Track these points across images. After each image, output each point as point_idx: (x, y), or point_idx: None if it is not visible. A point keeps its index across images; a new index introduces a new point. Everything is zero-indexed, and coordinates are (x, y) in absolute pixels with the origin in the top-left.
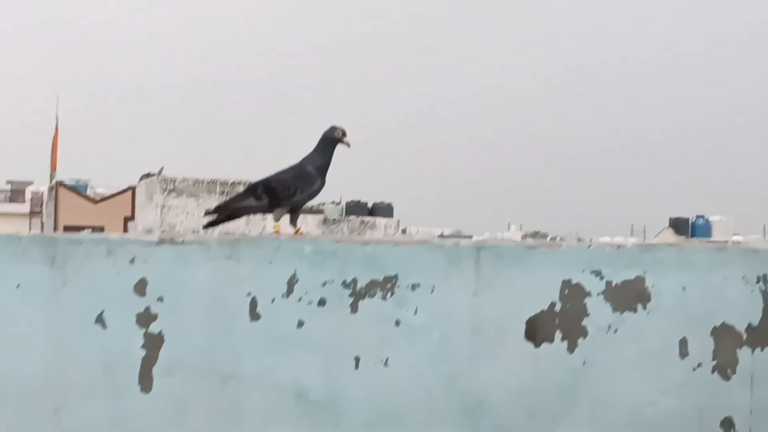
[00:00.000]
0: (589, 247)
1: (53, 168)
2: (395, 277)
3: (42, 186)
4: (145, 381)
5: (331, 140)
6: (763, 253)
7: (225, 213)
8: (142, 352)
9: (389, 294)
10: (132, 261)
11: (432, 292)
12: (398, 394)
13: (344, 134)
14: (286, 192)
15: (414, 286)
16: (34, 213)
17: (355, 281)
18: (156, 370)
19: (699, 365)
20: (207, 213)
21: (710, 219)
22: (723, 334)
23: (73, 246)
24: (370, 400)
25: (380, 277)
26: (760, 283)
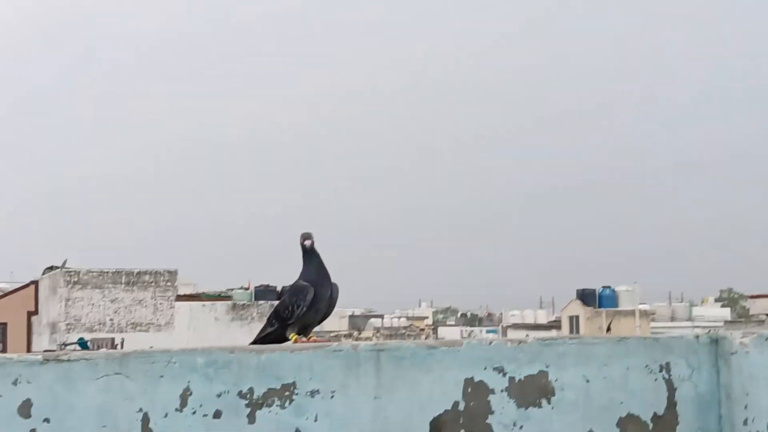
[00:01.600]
0: (491, 343)
1: None
2: (293, 384)
3: None
4: None
5: (302, 246)
6: (665, 342)
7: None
8: None
9: (288, 402)
10: (15, 382)
11: (332, 398)
12: None
13: (304, 238)
14: (287, 312)
15: (313, 393)
16: None
17: (251, 390)
18: None
19: None
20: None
21: (616, 289)
22: (629, 425)
23: None
24: None
25: (278, 386)
26: (663, 372)
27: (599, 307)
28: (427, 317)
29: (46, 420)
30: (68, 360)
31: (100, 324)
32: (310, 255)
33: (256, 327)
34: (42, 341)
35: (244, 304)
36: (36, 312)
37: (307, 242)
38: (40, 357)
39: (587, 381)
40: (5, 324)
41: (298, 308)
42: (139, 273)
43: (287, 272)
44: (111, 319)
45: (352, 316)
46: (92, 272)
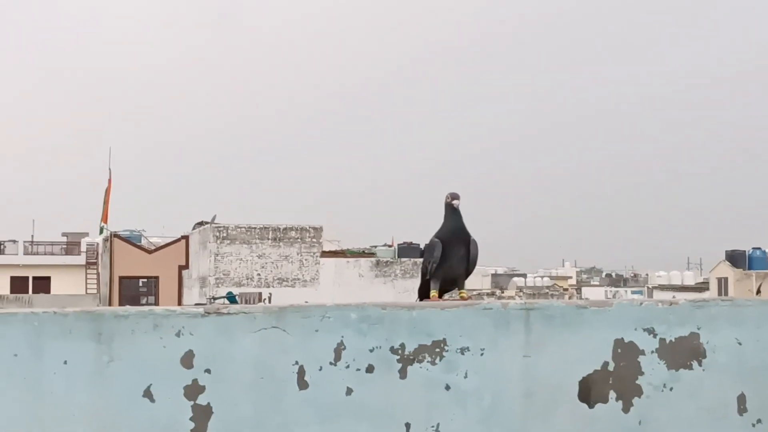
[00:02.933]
0: (641, 304)
1: (104, 219)
2: (443, 341)
3: (97, 237)
4: None
5: (447, 206)
6: None
7: (424, 296)
8: (191, 425)
9: (438, 358)
10: (178, 334)
11: (482, 355)
12: None
13: (453, 197)
14: (424, 267)
15: (463, 350)
16: (89, 264)
17: (403, 346)
18: None
19: (759, 421)
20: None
21: (767, 251)
22: None
23: (119, 320)
24: None
25: (428, 342)
26: None
27: (749, 269)
28: (570, 277)
29: (207, 371)
30: (228, 313)
31: (247, 278)
32: (449, 213)
33: (400, 284)
34: (192, 294)
35: (387, 261)
36: (186, 266)
37: (455, 202)
38: (201, 310)
39: (739, 343)
40: (157, 277)
41: (429, 264)
42: (285, 229)
43: (431, 230)
44: (258, 274)
45: (495, 275)
46: (240, 228)
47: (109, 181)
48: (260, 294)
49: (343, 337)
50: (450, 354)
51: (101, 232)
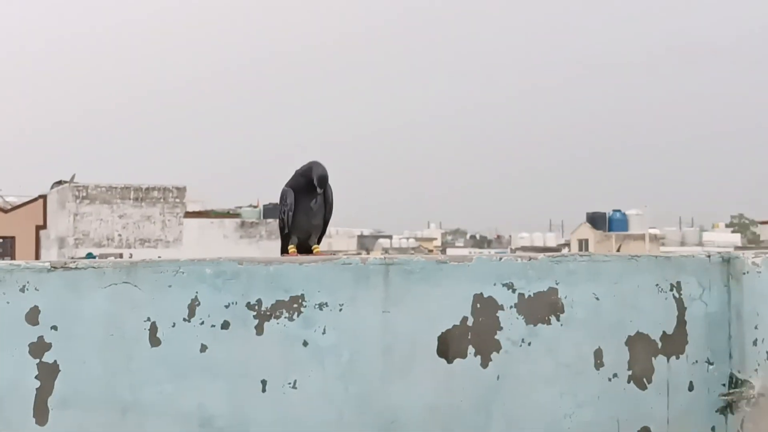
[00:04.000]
0: (500, 259)
1: None
2: (301, 296)
3: None
4: (40, 413)
5: (304, 175)
6: (676, 260)
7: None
8: (36, 383)
9: (296, 314)
10: (23, 289)
11: (340, 310)
12: (308, 417)
13: (319, 183)
14: (280, 221)
15: (321, 306)
16: None
17: (259, 302)
18: (51, 402)
19: (615, 375)
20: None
21: (627, 213)
22: (638, 344)
23: None
24: (279, 424)
25: (286, 297)
26: (674, 291)
27: (609, 230)
28: (435, 239)
29: (54, 327)
30: (76, 268)
31: (108, 239)
32: (304, 179)
33: (265, 245)
34: (50, 255)
35: (252, 222)
36: (44, 226)
37: (319, 190)
38: (47, 264)
39: (597, 299)
40: (13, 238)
41: (284, 215)
42: (147, 189)
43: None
44: (119, 235)
45: (360, 236)
46: (100, 187)
47: None
48: (121, 255)
49: (197, 292)
50: (308, 310)
51: None
